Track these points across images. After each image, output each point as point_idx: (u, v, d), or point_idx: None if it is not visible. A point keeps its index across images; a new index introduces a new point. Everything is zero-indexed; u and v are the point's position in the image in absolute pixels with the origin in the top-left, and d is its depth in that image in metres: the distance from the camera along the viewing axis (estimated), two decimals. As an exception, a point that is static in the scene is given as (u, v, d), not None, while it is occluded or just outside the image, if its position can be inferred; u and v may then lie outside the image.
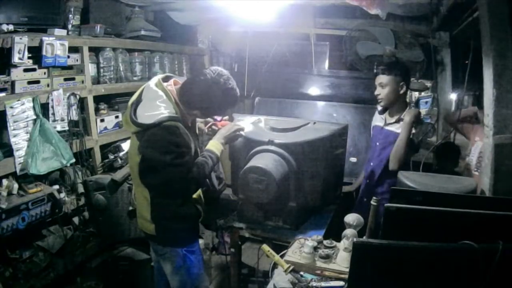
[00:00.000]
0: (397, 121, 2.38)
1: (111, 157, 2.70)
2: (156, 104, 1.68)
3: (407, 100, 2.68)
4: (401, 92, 2.35)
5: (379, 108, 2.50)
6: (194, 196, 1.90)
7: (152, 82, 1.76)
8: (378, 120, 2.53)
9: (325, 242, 1.73)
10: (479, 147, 2.28)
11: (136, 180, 1.82)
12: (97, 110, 2.71)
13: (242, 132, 1.99)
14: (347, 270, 1.37)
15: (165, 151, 1.65)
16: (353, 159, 3.11)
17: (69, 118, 2.44)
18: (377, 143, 2.46)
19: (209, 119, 2.07)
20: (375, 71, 2.37)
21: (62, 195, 2.37)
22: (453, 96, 3.37)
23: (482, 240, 1.04)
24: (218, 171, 3.43)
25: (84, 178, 2.54)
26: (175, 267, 1.87)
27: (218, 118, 2.06)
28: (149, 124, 1.65)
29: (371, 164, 2.49)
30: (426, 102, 3.75)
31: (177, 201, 1.80)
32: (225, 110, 1.88)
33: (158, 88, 1.73)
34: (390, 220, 1.19)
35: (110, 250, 2.58)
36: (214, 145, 1.87)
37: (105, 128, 2.75)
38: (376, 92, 2.39)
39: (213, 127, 2.05)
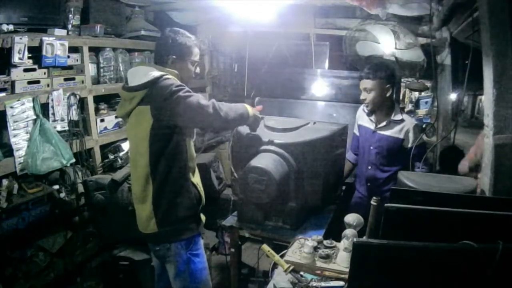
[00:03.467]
0: (388, 124, 2.39)
1: (111, 157, 2.70)
2: (146, 71, 1.74)
3: (403, 99, 2.69)
4: (387, 95, 2.35)
5: (366, 109, 2.50)
6: (195, 180, 1.87)
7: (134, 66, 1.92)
8: (365, 120, 2.52)
9: (325, 242, 1.73)
10: None
11: (143, 170, 1.76)
12: (97, 110, 2.71)
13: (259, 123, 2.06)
14: (347, 270, 1.37)
15: (179, 87, 1.68)
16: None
17: (69, 118, 2.44)
18: (371, 147, 2.46)
19: None
20: (363, 74, 2.35)
21: (62, 195, 2.38)
22: (453, 96, 3.37)
23: (482, 240, 1.04)
24: (218, 171, 3.44)
25: (84, 178, 2.54)
26: (178, 271, 1.82)
27: None
28: (149, 81, 1.68)
29: (369, 168, 2.49)
30: (426, 102, 3.75)
31: (179, 186, 1.79)
32: (193, 54, 1.88)
33: (143, 66, 1.85)
34: (390, 220, 1.19)
35: (110, 250, 2.58)
36: (250, 108, 1.93)
37: (105, 128, 2.75)
38: (362, 97, 2.39)
39: None
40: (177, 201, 1.78)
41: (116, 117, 2.83)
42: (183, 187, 1.80)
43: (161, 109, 1.67)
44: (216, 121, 1.76)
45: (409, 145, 2.35)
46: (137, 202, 1.86)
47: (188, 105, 1.67)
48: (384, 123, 2.41)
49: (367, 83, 2.33)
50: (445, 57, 3.24)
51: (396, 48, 3.19)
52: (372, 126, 2.47)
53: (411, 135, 2.36)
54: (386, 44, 3.19)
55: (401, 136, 2.37)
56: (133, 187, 1.88)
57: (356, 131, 2.66)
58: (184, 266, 1.81)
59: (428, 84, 3.56)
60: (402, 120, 2.39)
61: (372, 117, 2.48)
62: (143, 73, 1.72)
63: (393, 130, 2.38)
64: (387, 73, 2.34)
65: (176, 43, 1.82)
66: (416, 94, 3.92)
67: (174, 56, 1.82)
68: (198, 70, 1.97)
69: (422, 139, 2.39)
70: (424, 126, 2.97)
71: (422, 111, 3.77)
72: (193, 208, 1.84)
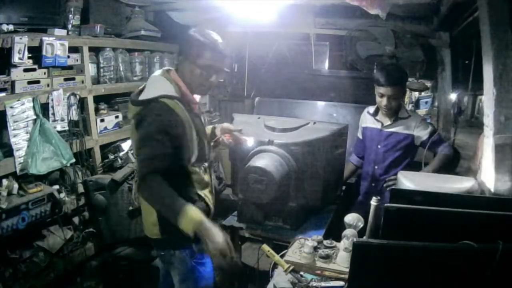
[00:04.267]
0: (395, 122, 2.39)
1: (111, 157, 2.70)
2: (155, 85, 1.65)
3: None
4: (405, 97, 2.38)
5: (371, 110, 2.51)
6: (202, 192, 1.74)
7: (156, 72, 1.76)
8: (370, 121, 2.52)
9: (325, 242, 1.73)
10: None
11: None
12: (97, 110, 2.71)
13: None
14: (347, 270, 1.37)
15: (152, 123, 1.52)
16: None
17: (69, 118, 2.44)
18: (379, 146, 2.46)
19: (228, 127, 1.98)
20: (381, 81, 2.31)
21: (62, 195, 2.37)
22: (453, 96, 3.37)
23: (482, 240, 1.04)
24: (218, 171, 3.44)
25: (84, 178, 2.54)
26: (182, 278, 1.74)
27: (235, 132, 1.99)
28: (145, 100, 1.59)
29: (376, 168, 2.49)
30: (426, 102, 3.75)
31: (182, 195, 1.59)
32: (217, 61, 1.67)
33: (159, 74, 1.71)
34: (390, 220, 1.19)
35: (110, 250, 2.58)
36: (193, 222, 1.42)
37: (105, 128, 2.75)
38: (384, 103, 2.34)
39: (227, 141, 1.99)
40: None
41: (116, 117, 2.83)
42: (186, 199, 1.58)
43: (135, 132, 1.61)
44: (142, 187, 1.50)
45: (425, 138, 2.35)
46: (142, 207, 1.79)
47: (140, 158, 1.51)
48: (391, 121, 2.41)
49: (387, 90, 2.30)
50: (445, 57, 3.24)
51: (396, 48, 3.19)
52: (378, 126, 2.46)
53: (422, 128, 2.36)
54: (386, 44, 3.19)
55: (410, 132, 2.37)
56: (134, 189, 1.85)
57: (360, 135, 2.66)
58: (189, 274, 1.73)
59: (428, 84, 3.56)
60: (408, 117, 2.40)
61: (378, 117, 2.48)
62: (152, 84, 1.67)
63: (401, 126, 2.39)
64: (404, 77, 2.37)
65: (189, 39, 1.65)
66: (416, 94, 3.91)
67: (182, 56, 1.69)
68: (214, 79, 1.69)
69: (433, 127, 2.43)
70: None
71: (422, 111, 3.77)
72: None
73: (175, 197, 1.46)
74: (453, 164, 2.74)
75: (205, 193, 1.76)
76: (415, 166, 2.42)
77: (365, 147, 2.60)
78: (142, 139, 1.54)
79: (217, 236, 1.39)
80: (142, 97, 1.63)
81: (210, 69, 1.65)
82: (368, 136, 2.55)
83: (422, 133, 2.35)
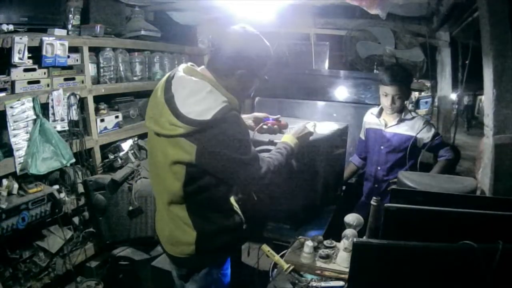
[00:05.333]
0: (399, 123, 2.40)
1: (111, 157, 2.70)
2: (205, 95, 1.37)
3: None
4: (409, 98, 2.40)
5: (375, 111, 2.51)
6: (233, 203, 1.69)
7: (182, 72, 1.47)
8: (373, 122, 2.53)
9: (325, 242, 1.73)
10: None
11: (169, 196, 1.49)
12: (97, 110, 2.71)
13: (311, 136, 1.82)
14: (347, 270, 1.38)
15: (238, 147, 1.39)
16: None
17: (69, 118, 2.44)
18: (382, 147, 2.46)
19: (258, 115, 1.85)
20: (386, 79, 2.31)
21: (62, 195, 2.37)
22: (453, 96, 3.37)
23: (482, 240, 1.04)
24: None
25: (84, 178, 2.54)
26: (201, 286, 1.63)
27: (271, 118, 1.86)
28: (209, 120, 1.32)
29: (378, 168, 2.48)
30: (426, 102, 3.75)
31: (223, 210, 1.57)
32: (266, 66, 1.57)
33: (196, 77, 1.43)
34: (390, 220, 1.19)
35: (110, 250, 2.58)
36: (289, 138, 1.68)
37: (105, 128, 2.75)
38: (388, 102, 2.35)
39: (265, 126, 1.84)
40: (222, 227, 1.56)
41: (116, 117, 2.83)
42: (227, 212, 1.61)
43: (210, 163, 1.39)
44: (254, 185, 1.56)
45: (427, 140, 2.36)
46: (164, 226, 1.61)
47: (245, 174, 1.43)
48: (395, 122, 2.42)
49: (391, 90, 2.32)
50: (445, 57, 3.25)
51: (396, 48, 3.19)
52: (381, 126, 2.47)
53: (426, 131, 2.36)
54: (386, 44, 3.19)
55: (413, 133, 2.37)
56: (159, 209, 1.65)
57: (362, 136, 2.66)
58: (212, 286, 1.62)
59: (428, 84, 3.56)
60: (412, 118, 2.41)
61: (381, 118, 2.48)
62: (194, 93, 1.38)
63: (404, 128, 2.40)
64: (409, 78, 2.38)
65: (250, 51, 1.47)
66: (416, 94, 3.91)
67: (244, 70, 1.46)
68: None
69: (436, 130, 2.44)
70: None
71: (422, 111, 3.77)
72: (238, 230, 1.63)
73: (275, 157, 1.56)
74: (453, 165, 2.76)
75: (234, 204, 1.70)
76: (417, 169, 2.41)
77: (367, 148, 2.60)
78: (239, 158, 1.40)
79: (302, 133, 1.75)
80: (192, 111, 1.35)
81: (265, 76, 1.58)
82: (372, 137, 2.55)
83: (425, 136, 2.36)
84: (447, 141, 3.08)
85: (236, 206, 1.69)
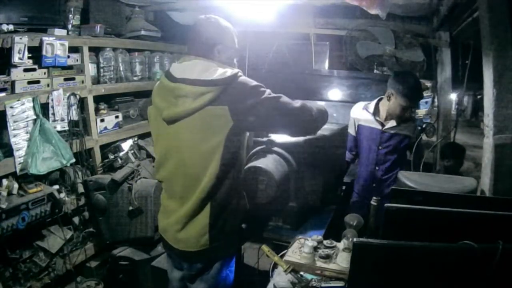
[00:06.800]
0: (398, 124, 2.40)
1: (111, 157, 2.70)
2: (216, 67, 1.47)
3: None
4: None
5: (370, 108, 2.50)
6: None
7: (179, 62, 1.57)
8: (369, 121, 2.51)
9: (325, 242, 1.73)
10: None
11: (203, 184, 1.48)
12: (97, 110, 2.71)
13: None
14: (347, 270, 1.37)
15: (263, 88, 1.51)
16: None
17: (69, 118, 2.44)
18: (380, 147, 2.45)
19: None
20: (410, 96, 2.34)
21: (62, 195, 2.38)
22: (453, 96, 3.38)
23: (482, 240, 1.04)
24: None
25: (84, 178, 2.54)
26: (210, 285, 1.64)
27: None
28: (229, 76, 1.43)
29: (377, 168, 2.48)
30: (426, 102, 3.75)
31: (239, 190, 1.61)
32: (233, 35, 1.68)
33: (198, 60, 1.53)
34: (390, 220, 1.19)
35: (110, 250, 2.58)
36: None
37: (105, 128, 2.75)
38: (402, 113, 2.39)
39: None
40: (234, 208, 1.60)
41: (116, 117, 2.83)
42: (239, 194, 1.64)
43: (246, 113, 1.43)
44: (310, 127, 1.64)
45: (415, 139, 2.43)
46: (182, 218, 1.56)
47: (282, 109, 1.50)
48: (394, 123, 2.42)
49: (410, 104, 2.38)
50: (445, 57, 3.24)
51: (396, 48, 3.19)
52: (379, 126, 2.46)
53: (416, 132, 2.46)
54: (386, 44, 3.19)
55: (410, 133, 2.42)
56: (174, 202, 1.60)
57: (352, 131, 2.61)
58: (220, 284, 1.64)
59: (428, 84, 3.56)
60: (410, 118, 2.45)
61: (379, 117, 2.47)
62: (204, 68, 1.46)
63: (402, 128, 2.42)
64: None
65: (221, 27, 1.61)
66: (416, 94, 3.92)
67: (221, 45, 1.56)
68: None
69: (421, 137, 2.50)
70: (424, 126, 2.98)
71: (422, 111, 3.77)
72: (243, 215, 1.66)
73: (313, 104, 1.70)
74: (458, 164, 2.78)
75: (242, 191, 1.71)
76: (415, 166, 2.44)
77: (360, 145, 2.58)
78: (272, 104, 1.49)
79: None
80: (205, 77, 1.43)
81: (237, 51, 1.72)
82: (366, 135, 2.52)
83: (415, 134, 2.45)
84: (447, 141, 3.09)
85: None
